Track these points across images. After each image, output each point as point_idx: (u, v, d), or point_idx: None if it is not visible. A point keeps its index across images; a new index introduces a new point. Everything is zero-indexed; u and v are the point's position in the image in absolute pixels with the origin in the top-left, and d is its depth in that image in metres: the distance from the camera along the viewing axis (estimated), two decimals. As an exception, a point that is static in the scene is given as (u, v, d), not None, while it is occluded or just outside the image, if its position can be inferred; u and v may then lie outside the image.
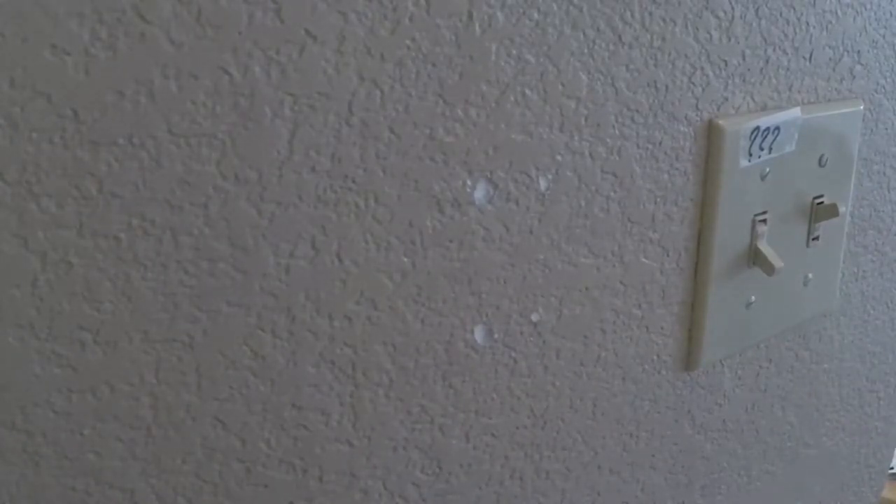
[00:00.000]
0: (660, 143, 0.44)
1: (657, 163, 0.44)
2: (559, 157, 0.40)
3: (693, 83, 0.44)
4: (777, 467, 0.63)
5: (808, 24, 0.48)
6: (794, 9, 0.47)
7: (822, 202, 0.51)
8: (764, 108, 0.48)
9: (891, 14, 0.52)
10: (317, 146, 0.33)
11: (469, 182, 0.38)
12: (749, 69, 0.46)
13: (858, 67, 0.52)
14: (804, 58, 0.48)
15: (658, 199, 0.45)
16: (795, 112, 0.47)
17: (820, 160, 0.50)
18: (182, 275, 0.32)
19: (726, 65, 0.45)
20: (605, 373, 0.48)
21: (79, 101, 0.28)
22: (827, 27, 0.49)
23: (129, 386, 0.33)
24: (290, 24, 0.31)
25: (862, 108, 0.52)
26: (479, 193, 0.38)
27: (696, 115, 0.45)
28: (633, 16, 0.40)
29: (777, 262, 0.48)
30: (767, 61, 0.47)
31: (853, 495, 0.72)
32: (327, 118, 0.33)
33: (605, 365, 0.48)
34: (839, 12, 0.49)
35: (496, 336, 0.42)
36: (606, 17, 0.39)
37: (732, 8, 0.44)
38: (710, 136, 0.46)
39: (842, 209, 0.51)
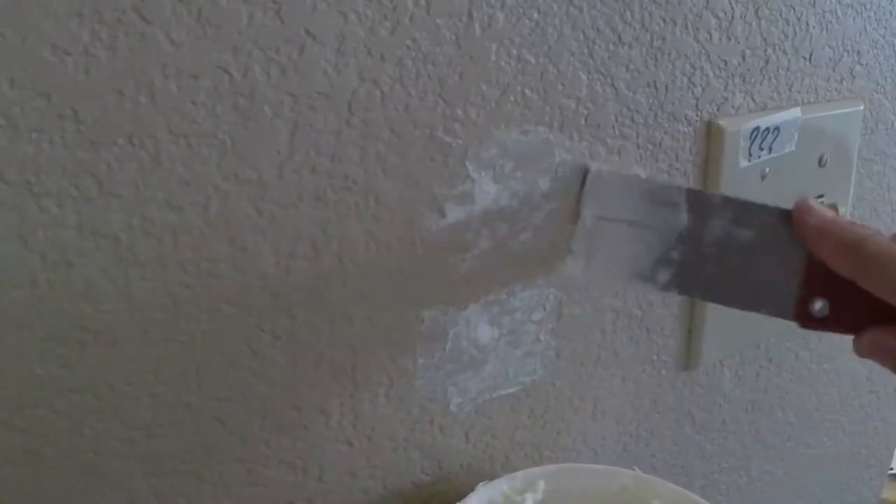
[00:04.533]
0: (660, 143, 0.44)
1: (657, 163, 0.44)
2: (559, 157, 0.40)
3: (693, 83, 0.44)
4: (777, 467, 0.63)
5: (808, 24, 0.48)
6: (794, 9, 0.47)
7: (822, 202, 0.51)
8: (764, 108, 0.48)
9: (891, 14, 0.52)
10: (317, 146, 0.33)
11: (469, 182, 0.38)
12: (749, 69, 0.46)
13: (858, 67, 0.52)
14: (804, 58, 0.48)
15: (658, 199, 0.45)
16: (795, 112, 0.47)
17: (820, 160, 0.50)
18: (182, 275, 0.32)
19: (726, 65, 0.45)
20: (605, 373, 0.48)
21: (79, 101, 0.28)
22: (827, 27, 0.49)
23: (129, 386, 0.32)
24: (290, 24, 0.31)
25: (862, 108, 0.52)
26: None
27: (696, 115, 0.45)
28: (633, 16, 0.40)
29: (777, 262, 0.48)
30: (767, 61, 0.47)
31: (853, 495, 0.72)
32: (327, 118, 0.33)
33: (605, 365, 0.48)
34: (839, 12, 0.49)
35: (498, 336, 0.42)
36: (606, 17, 0.39)
37: (732, 8, 0.44)
38: (710, 136, 0.46)
39: (842, 209, 0.51)
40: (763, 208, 0.35)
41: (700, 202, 0.36)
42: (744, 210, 0.35)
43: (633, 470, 0.44)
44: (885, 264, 0.30)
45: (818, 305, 0.34)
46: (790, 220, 0.34)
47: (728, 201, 0.36)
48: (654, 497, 0.43)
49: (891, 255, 0.30)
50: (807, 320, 0.35)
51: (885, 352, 0.32)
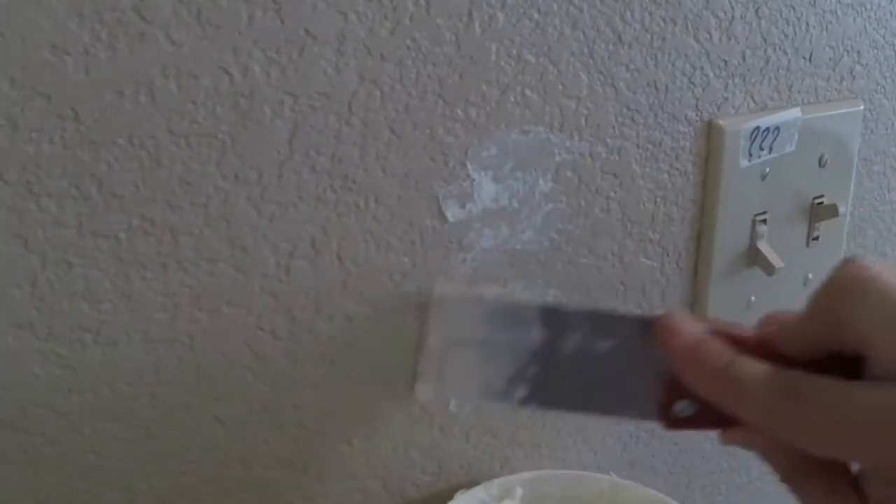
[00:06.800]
0: (660, 143, 0.44)
1: (657, 163, 0.44)
2: (559, 157, 0.40)
3: (693, 83, 0.44)
4: (777, 467, 0.63)
5: (808, 24, 0.48)
6: (794, 9, 0.47)
7: (822, 202, 0.51)
8: (764, 108, 0.48)
9: (891, 14, 0.52)
10: (317, 146, 0.33)
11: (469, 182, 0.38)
12: (749, 69, 0.46)
13: (858, 67, 0.52)
14: (804, 58, 0.48)
15: (658, 199, 0.45)
16: (795, 112, 0.47)
17: (820, 160, 0.50)
18: (182, 275, 0.32)
19: (726, 65, 0.45)
20: (605, 373, 0.48)
21: (79, 101, 0.28)
22: (827, 27, 0.49)
23: (129, 386, 0.33)
24: (290, 24, 0.31)
25: (862, 108, 0.52)
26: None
27: (696, 115, 0.45)
28: (633, 16, 0.40)
29: (777, 262, 0.48)
30: (767, 61, 0.47)
31: (853, 495, 0.72)
32: (327, 118, 0.33)
33: (605, 365, 0.48)
34: (839, 12, 0.49)
35: (496, 336, 0.42)
36: (606, 17, 0.39)
37: (732, 8, 0.44)
38: (710, 136, 0.46)
39: (842, 209, 0.51)
40: (622, 319, 0.34)
41: (555, 317, 0.35)
42: (603, 321, 0.34)
43: (609, 475, 0.45)
44: (748, 392, 0.29)
45: (682, 407, 0.33)
46: (652, 329, 0.33)
47: (584, 314, 0.35)
48: (630, 502, 0.43)
49: (753, 381, 0.29)
50: (671, 422, 0.34)
51: (752, 445, 0.32)
